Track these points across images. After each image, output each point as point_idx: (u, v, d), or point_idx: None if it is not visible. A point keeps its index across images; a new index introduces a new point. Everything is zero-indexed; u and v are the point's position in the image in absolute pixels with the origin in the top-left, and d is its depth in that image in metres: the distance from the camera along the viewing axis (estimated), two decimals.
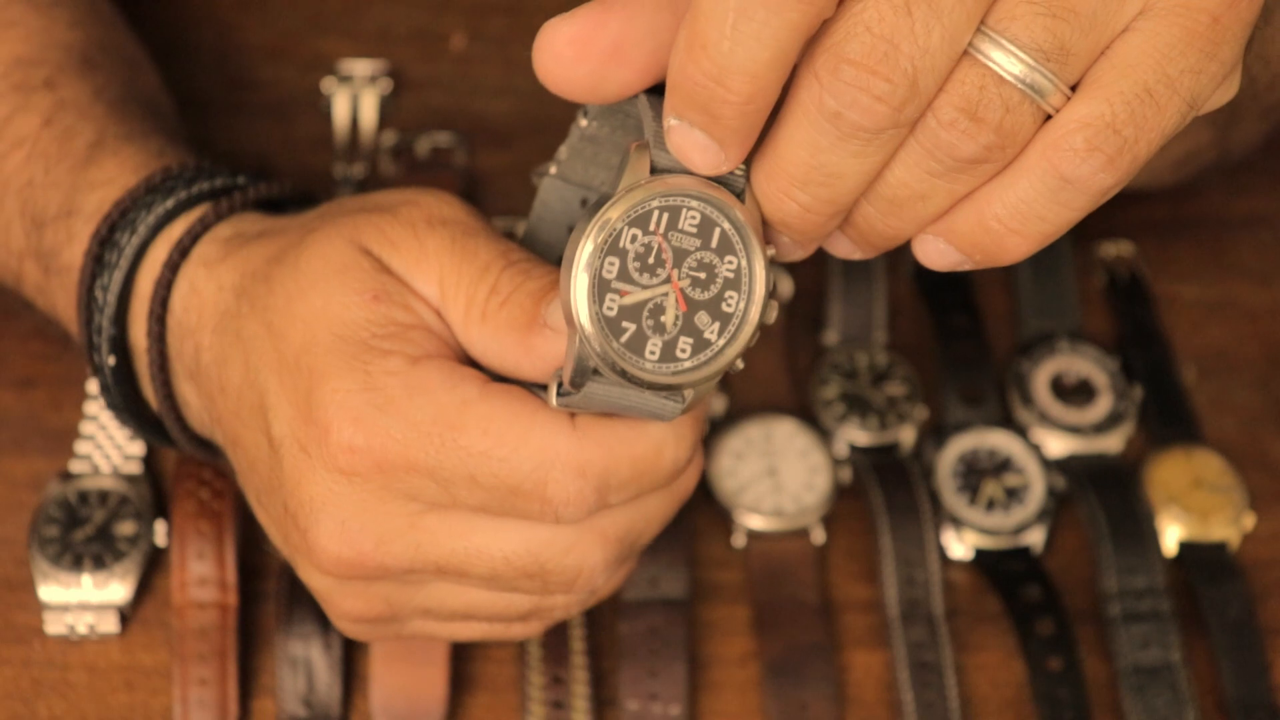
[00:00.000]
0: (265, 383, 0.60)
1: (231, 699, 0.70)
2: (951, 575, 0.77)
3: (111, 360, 0.66)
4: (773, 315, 0.54)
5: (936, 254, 0.53)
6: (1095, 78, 0.49)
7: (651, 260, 0.53)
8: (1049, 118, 0.49)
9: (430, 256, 0.60)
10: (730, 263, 0.53)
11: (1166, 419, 0.81)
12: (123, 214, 0.66)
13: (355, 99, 0.89)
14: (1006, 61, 0.48)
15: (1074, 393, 0.82)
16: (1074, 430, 0.80)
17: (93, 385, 0.77)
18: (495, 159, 0.88)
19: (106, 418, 0.76)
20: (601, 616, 0.74)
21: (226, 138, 0.87)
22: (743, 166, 0.52)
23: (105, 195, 0.67)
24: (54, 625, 0.72)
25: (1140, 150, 0.49)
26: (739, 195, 0.53)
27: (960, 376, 0.82)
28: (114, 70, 0.74)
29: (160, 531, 0.74)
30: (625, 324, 0.53)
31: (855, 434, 0.79)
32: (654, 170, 0.52)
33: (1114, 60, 0.49)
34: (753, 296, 0.54)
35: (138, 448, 0.76)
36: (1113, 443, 0.80)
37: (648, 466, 0.58)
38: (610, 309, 0.53)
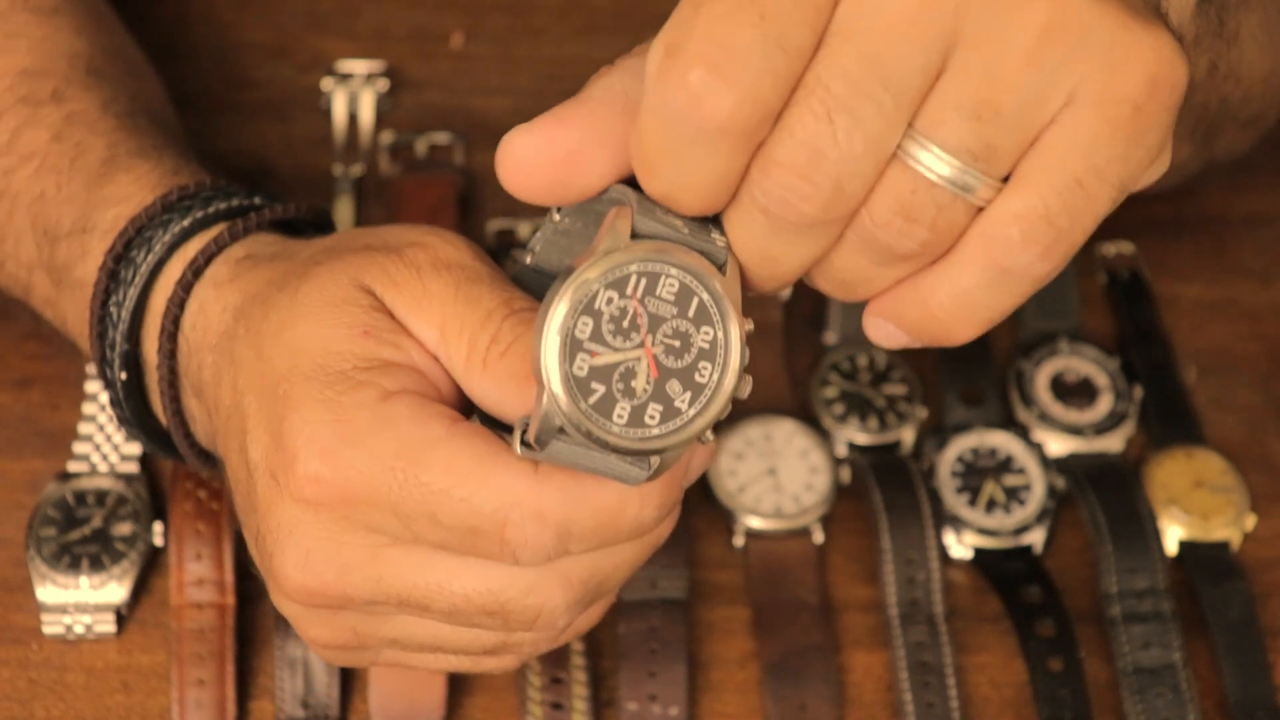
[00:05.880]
0: (247, 406, 0.60)
1: (229, 700, 0.70)
2: (952, 576, 0.77)
3: (123, 375, 0.67)
4: (746, 389, 0.54)
5: (886, 336, 0.55)
6: (1026, 171, 0.50)
7: (626, 324, 0.52)
8: (982, 208, 0.50)
9: (433, 300, 0.60)
10: (706, 333, 0.53)
11: (1167, 419, 0.81)
12: (139, 231, 0.66)
13: (354, 98, 0.89)
14: (936, 165, 0.49)
15: (1074, 393, 0.81)
16: (1074, 430, 0.80)
17: (90, 385, 0.77)
18: (494, 158, 0.87)
19: (104, 418, 0.76)
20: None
21: (225, 137, 0.87)
22: (724, 238, 0.53)
23: (121, 212, 0.67)
24: (51, 626, 0.72)
25: (1076, 237, 0.51)
26: (720, 266, 0.53)
27: (960, 377, 0.81)
28: (120, 80, 0.74)
29: (158, 532, 0.73)
30: (595, 385, 0.53)
31: (855, 434, 0.79)
32: (635, 235, 0.52)
33: (1043, 153, 0.50)
34: (727, 369, 0.53)
35: (135, 448, 0.76)
36: (1113, 443, 0.80)
37: (609, 519, 0.58)
38: (580, 369, 0.52)
